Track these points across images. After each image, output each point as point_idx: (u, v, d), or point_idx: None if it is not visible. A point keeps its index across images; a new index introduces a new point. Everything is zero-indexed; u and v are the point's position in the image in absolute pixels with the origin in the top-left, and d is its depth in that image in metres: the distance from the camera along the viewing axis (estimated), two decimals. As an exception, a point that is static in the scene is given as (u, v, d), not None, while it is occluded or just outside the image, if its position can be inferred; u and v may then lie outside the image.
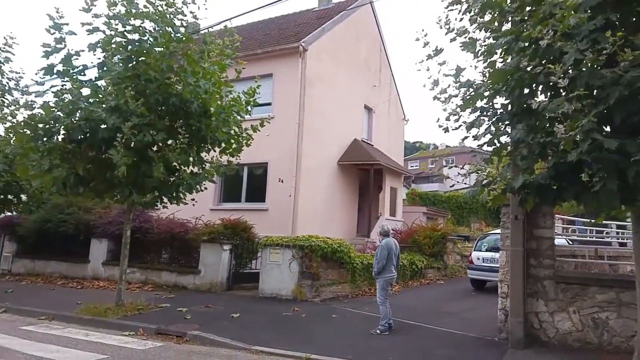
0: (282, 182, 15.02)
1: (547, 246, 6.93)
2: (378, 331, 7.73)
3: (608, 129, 4.86)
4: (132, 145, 8.42)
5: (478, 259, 11.66)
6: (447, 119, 6.15)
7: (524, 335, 6.64)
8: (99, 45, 8.61)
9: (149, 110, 8.47)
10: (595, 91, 4.53)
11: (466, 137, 6.14)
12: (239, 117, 9.98)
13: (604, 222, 8.43)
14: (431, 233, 13.86)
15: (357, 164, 17.05)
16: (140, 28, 8.70)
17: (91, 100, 8.53)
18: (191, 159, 9.31)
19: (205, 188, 10.26)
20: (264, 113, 15.18)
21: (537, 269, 6.88)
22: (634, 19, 4.79)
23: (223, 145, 9.73)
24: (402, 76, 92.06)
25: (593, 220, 8.48)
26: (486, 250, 11.70)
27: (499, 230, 12.77)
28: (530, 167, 5.26)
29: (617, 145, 4.18)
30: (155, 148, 8.73)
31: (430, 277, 13.58)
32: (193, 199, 9.99)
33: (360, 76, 18.85)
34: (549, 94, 5.24)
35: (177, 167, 9.24)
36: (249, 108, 10.33)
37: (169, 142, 8.99)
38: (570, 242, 10.64)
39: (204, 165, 9.72)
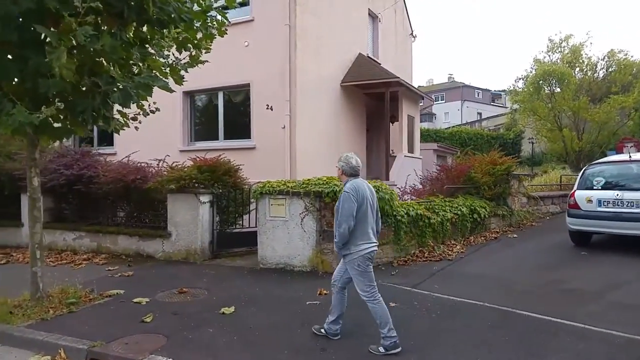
0: (271, 109, 11.25)
1: None
2: (382, 350, 4.25)
3: None
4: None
5: (589, 201, 8.09)
6: None
7: None
8: None
9: None
10: None
11: None
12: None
13: None
14: (491, 168, 10.37)
15: (366, 84, 13.26)
16: None
17: None
18: (122, 43, 5.21)
19: (157, 109, 6.41)
20: (240, 16, 11.27)
21: None
22: None
23: (180, 32, 5.81)
24: None
25: None
26: (603, 188, 8.20)
27: (618, 157, 9.32)
28: None
29: None
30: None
31: (494, 229, 10.22)
32: (136, 118, 6.19)
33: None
34: None
35: (101, 60, 5.29)
36: None
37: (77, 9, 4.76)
38: None
39: (146, 57, 5.62)
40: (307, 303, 5.63)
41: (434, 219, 8.18)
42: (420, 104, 17.40)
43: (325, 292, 6.02)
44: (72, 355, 4.49)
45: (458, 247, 8.48)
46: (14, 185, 10.32)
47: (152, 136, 12.05)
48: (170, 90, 5.99)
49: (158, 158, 9.67)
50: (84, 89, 5.48)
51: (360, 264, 4.35)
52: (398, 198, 7.95)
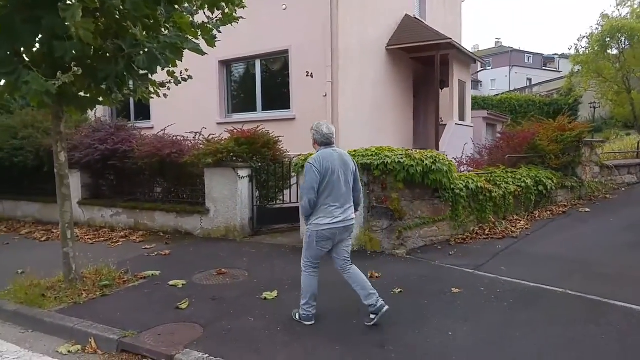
0: (311, 76, 10.52)
1: None
2: (297, 316, 4.28)
3: None
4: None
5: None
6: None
7: None
8: None
9: None
10: None
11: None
12: None
13: None
14: (559, 135, 9.28)
15: (414, 47, 12.24)
16: None
17: None
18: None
19: (190, 77, 5.83)
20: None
21: None
22: None
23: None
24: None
25: None
26: None
27: None
28: None
29: None
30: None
31: (562, 203, 9.18)
32: (164, 85, 5.69)
33: None
34: None
35: (127, 25, 4.69)
36: None
37: None
38: None
39: (173, 14, 4.94)
40: (358, 288, 5.01)
41: (496, 192, 7.34)
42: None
43: (377, 274, 5.39)
44: (102, 345, 4.09)
45: (522, 222, 7.59)
46: (53, 162, 10.15)
47: (188, 109, 11.68)
48: (202, 53, 5.39)
49: (195, 131, 9.20)
50: (108, 54, 4.99)
51: (310, 237, 4.08)
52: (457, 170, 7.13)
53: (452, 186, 6.63)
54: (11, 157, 10.64)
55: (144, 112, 13.20)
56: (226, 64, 11.97)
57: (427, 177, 6.24)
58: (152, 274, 5.92)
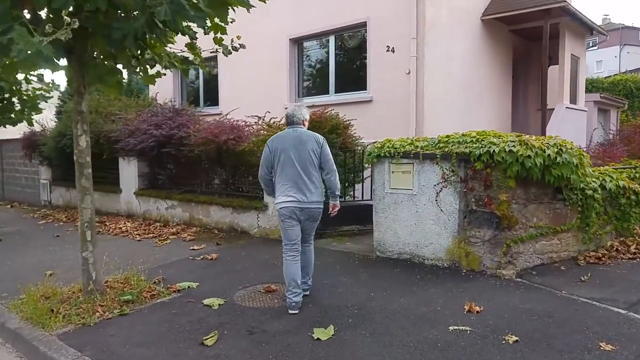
0: (392, 51, 8.95)
1: None
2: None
3: None
4: None
5: None
6: None
7: None
8: None
9: None
10: None
11: None
12: None
13: None
14: None
15: (516, 16, 10.17)
16: None
17: None
18: None
19: (242, 45, 4.67)
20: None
21: None
22: None
23: None
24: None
25: None
26: None
27: None
28: None
29: None
30: None
31: None
32: (193, 45, 4.55)
33: None
34: None
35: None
36: None
37: None
38: None
39: None
40: (451, 329, 3.50)
41: (644, 194, 5.41)
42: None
43: (477, 308, 3.83)
44: (91, 397, 2.99)
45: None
46: (112, 149, 9.58)
47: (257, 93, 10.69)
48: (249, 6, 4.16)
49: (259, 116, 8.08)
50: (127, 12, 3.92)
51: (279, 217, 4.17)
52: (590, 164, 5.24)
53: (582, 185, 4.83)
54: (73, 142, 10.24)
55: (212, 97, 12.46)
56: (297, 42, 10.74)
57: (548, 172, 4.51)
58: (189, 286, 4.83)
